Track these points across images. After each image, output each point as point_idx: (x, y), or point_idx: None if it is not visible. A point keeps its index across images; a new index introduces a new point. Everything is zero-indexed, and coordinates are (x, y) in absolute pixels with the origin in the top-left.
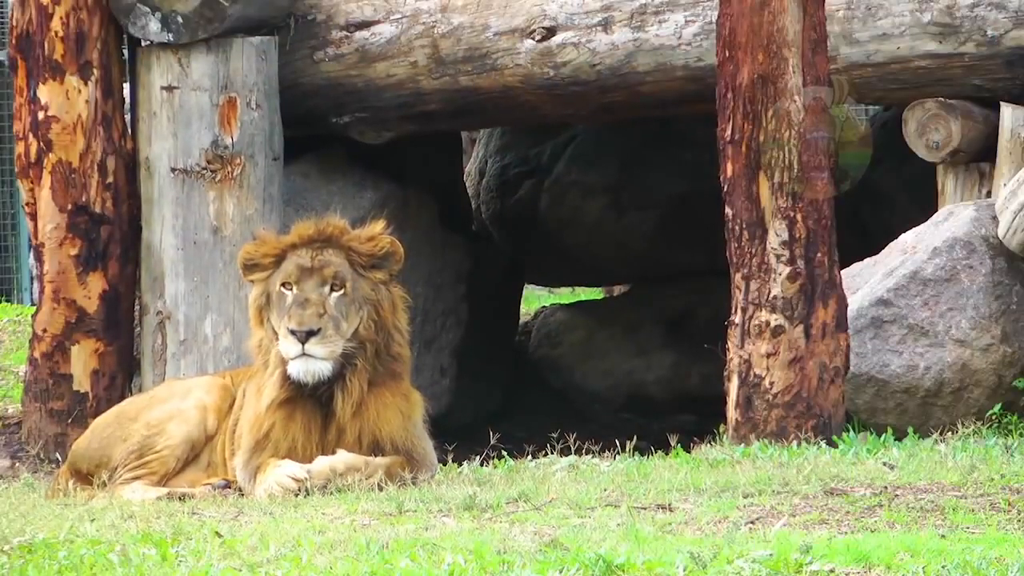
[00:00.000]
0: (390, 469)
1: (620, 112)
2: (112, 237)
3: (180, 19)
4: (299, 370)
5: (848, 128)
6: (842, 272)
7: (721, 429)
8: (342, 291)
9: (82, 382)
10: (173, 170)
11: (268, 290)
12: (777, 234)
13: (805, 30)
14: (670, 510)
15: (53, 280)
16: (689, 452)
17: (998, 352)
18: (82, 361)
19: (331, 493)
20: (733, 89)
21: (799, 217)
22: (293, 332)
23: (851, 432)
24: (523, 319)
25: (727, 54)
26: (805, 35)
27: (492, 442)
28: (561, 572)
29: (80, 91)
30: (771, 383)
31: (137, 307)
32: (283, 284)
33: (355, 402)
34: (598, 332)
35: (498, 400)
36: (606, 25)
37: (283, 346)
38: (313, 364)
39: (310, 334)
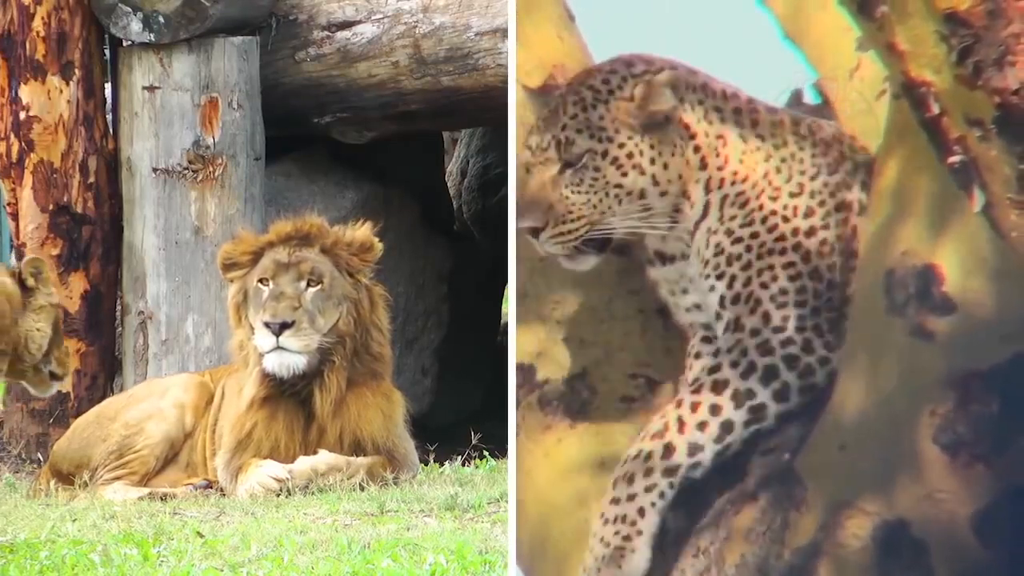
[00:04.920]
0: (372, 469)
1: None
2: (94, 237)
3: (162, 19)
4: (274, 363)
5: None
6: None
7: None
8: (319, 286)
9: (64, 382)
10: (155, 170)
11: (245, 287)
12: None
13: None
14: None
15: None
16: None
17: None
18: None
19: (313, 493)
20: None
21: None
22: (267, 324)
23: None
24: (504, 319)
25: None
26: None
27: (474, 442)
28: None
29: (62, 91)
30: None
31: (119, 307)
32: (260, 280)
33: (333, 399)
34: None
35: (480, 400)
36: None
37: (258, 339)
38: (288, 357)
39: (284, 326)
